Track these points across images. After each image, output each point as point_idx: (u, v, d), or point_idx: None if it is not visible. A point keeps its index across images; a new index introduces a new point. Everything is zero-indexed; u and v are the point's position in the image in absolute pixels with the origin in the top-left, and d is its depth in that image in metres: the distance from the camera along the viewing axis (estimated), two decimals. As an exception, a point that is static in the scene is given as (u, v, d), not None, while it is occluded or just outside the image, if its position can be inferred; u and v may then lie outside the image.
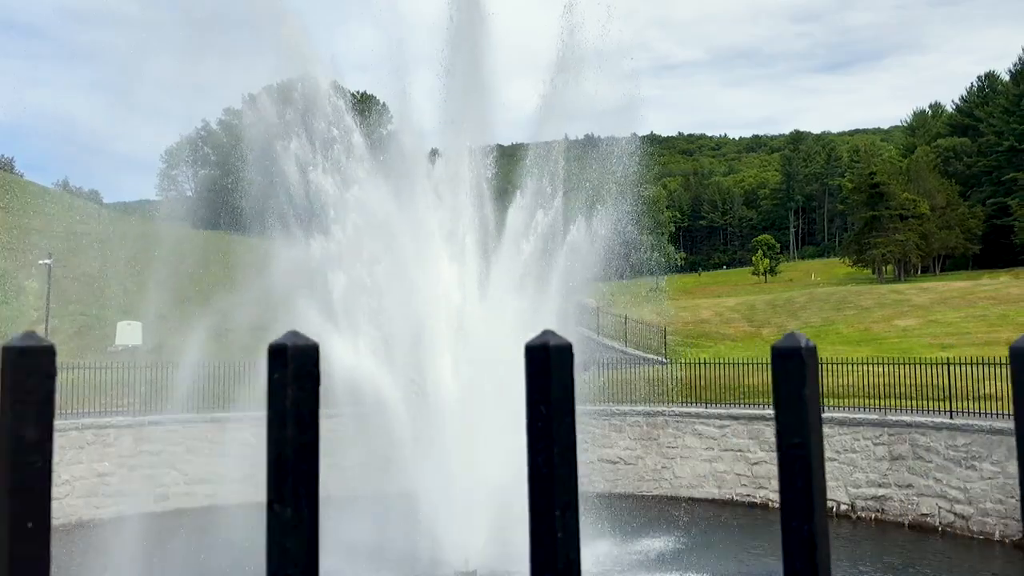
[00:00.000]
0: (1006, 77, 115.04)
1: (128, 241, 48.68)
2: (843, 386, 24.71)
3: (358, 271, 17.28)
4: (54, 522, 17.85)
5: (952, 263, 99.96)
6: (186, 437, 22.63)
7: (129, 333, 39.17)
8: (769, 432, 23.40)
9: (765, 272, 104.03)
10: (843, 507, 21.98)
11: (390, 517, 15.11)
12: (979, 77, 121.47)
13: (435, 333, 15.73)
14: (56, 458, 21.55)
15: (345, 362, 15.57)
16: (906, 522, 20.91)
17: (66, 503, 20.58)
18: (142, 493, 21.60)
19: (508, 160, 20.63)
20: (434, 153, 19.10)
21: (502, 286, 16.13)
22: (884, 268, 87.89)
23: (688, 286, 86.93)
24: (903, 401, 23.14)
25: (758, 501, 23.17)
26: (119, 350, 38.15)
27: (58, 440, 21.03)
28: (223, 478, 22.83)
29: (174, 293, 42.75)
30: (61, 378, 26.12)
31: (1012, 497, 19.27)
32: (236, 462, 23.08)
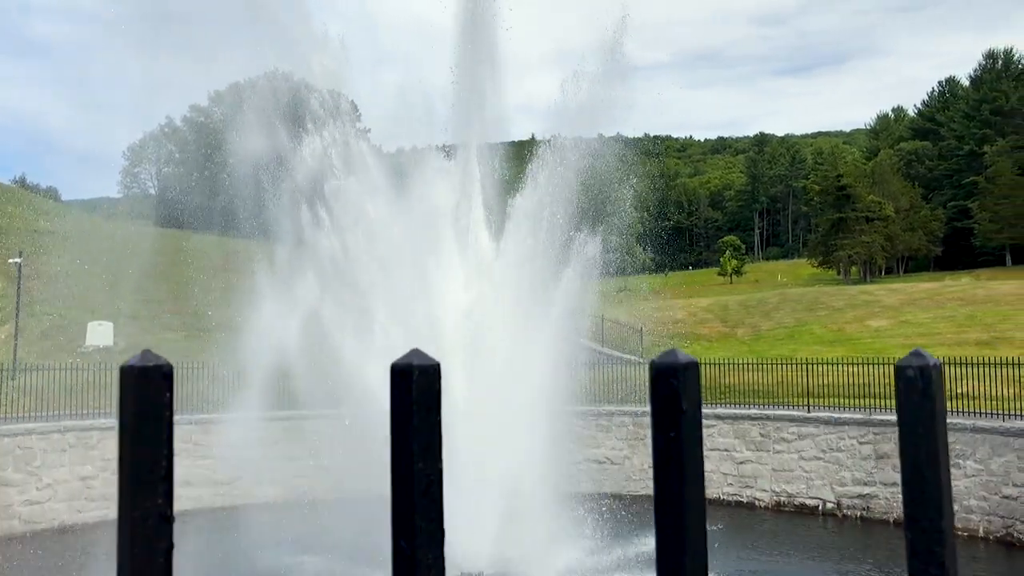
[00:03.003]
0: (966, 82, 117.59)
1: (93, 239, 47.70)
2: (823, 386, 25.00)
3: (362, 268, 17.11)
4: (35, 527, 17.47)
5: (915, 265, 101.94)
6: (170, 439, 22.19)
7: (100, 333, 38.45)
8: (755, 432, 23.63)
9: (732, 273, 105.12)
10: (829, 505, 22.26)
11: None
12: (940, 82, 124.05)
13: (443, 333, 15.64)
14: (37, 461, 21.09)
15: (352, 361, 15.41)
16: (891, 519, 21.21)
17: (48, 507, 20.09)
18: (126, 497, 21.11)
19: (506, 157, 20.54)
20: (445, 149, 18.97)
21: (510, 284, 16.07)
22: (849, 269, 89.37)
23: (656, 286, 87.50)
24: (882, 401, 23.53)
25: (744, 500, 23.37)
26: (90, 351, 37.41)
27: (39, 443, 20.54)
28: (208, 481, 22.49)
29: (143, 293, 42.09)
30: (30, 380, 25.55)
31: (995, 494, 19.67)
32: (221, 465, 22.75)
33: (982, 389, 22.28)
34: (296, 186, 20.39)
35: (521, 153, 21.19)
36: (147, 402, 0.92)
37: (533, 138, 20.36)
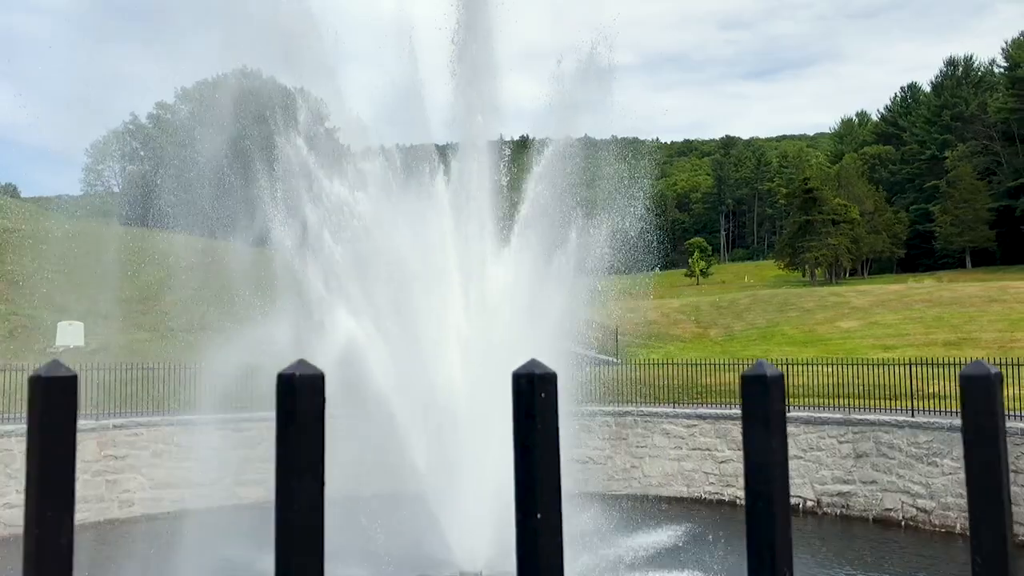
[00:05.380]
0: (927, 88, 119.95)
1: (56, 238, 46.86)
2: (798, 386, 25.36)
3: (358, 268, 17.03)
4: (15, 531, 17.14)
5: (878, 266, 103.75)
6: (151, 441, 21.94)
7: (70, 334, 37.79)
8: (736, 431, 23.92)
9: (699, 274, 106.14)
10: (809, 503, 22.62)
11: (395, 518, 14.98)
12: (902, 88, 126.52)
13: (444, 333, 15.67)
14: (16, 464, 20.66)
15: (351, 362, 15.37)
16: (870, 517, 21.62)
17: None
18: (107, 499, 20.86)
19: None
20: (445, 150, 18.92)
21: (509, 288, 16.13)
22: (815, 271, 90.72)
23: (625, 287, 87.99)
24: (857, 400, 23.97)
25: (726, 499, 23.66)
26: (60, 351, 36.79)
27: (18, 445, 20.15)
28: (190, 482, 22.24)
29: (112, 292, 41.43)
30: None
31: (972, 491, 20.13)
32: (203, 466, 22.51)
33: (952, 389, 22.77)
34: (276, 184, 20.22)
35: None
36: (303, 406, 1.00)
37: (501, 138, 20.40)
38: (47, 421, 0.97)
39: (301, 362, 1.02)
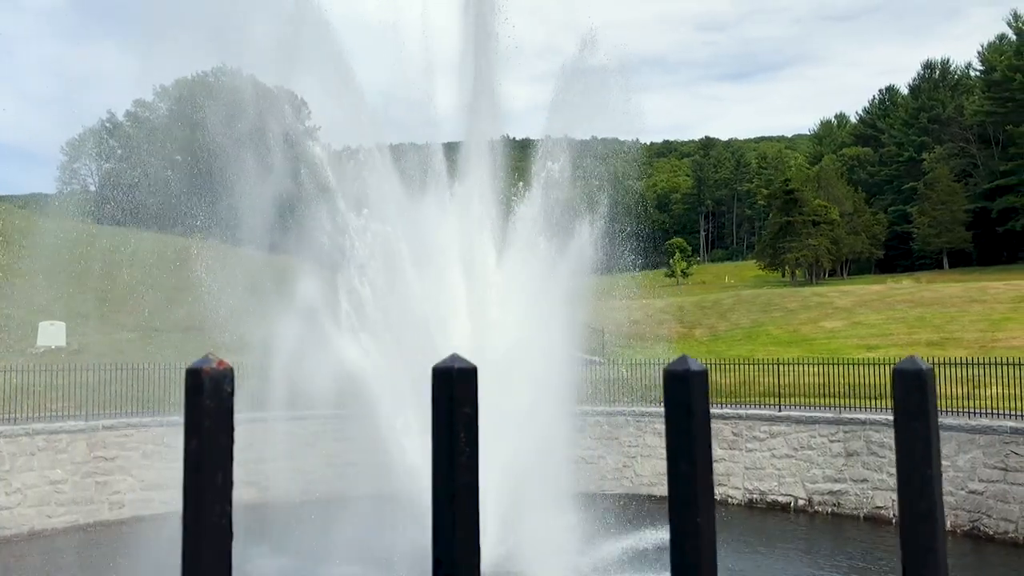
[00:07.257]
0: (905, 91, 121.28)
1: (33, 236, 46.23)
2: (784, 385, 25.50)
3: (357, 269, 16.95)
4: (5, 532, 16.91)
5: (856, 267, 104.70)
6: (141, 442, 21.68)
7: (52, 334, 37.33)
8: (727, 431, 24.04)
9: (680, 274, 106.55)
10: (801, 502, 22.77)
11: (394, 517, 14.91)
12: (880, 90, 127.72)
13: (443, 330, 15.61)
14: (6, 465, 20.38)
15: (350, 362, 15.28)
16: (861, 515, 21.81)
17: (17, 512, 19.40)
18: (96, 501, 20.59)
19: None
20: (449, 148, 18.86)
21: (510, 290, 16.11)
22: (795, 271, 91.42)
23: (608, 287, 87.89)
24: (845, 400, 24.15)
25: (718, 498, 23.74)
26: (41, 351, 36.32)
27: (7, 447, 19.86)
28: (180, 484, 21.99)
29: (93, 292, 40.89)
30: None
31: (962, 489, 20.36)
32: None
33: (940, 389, 23.01)
34: (269, 185, 20.06)
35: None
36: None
37: (482, 137, 20.43)
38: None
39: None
